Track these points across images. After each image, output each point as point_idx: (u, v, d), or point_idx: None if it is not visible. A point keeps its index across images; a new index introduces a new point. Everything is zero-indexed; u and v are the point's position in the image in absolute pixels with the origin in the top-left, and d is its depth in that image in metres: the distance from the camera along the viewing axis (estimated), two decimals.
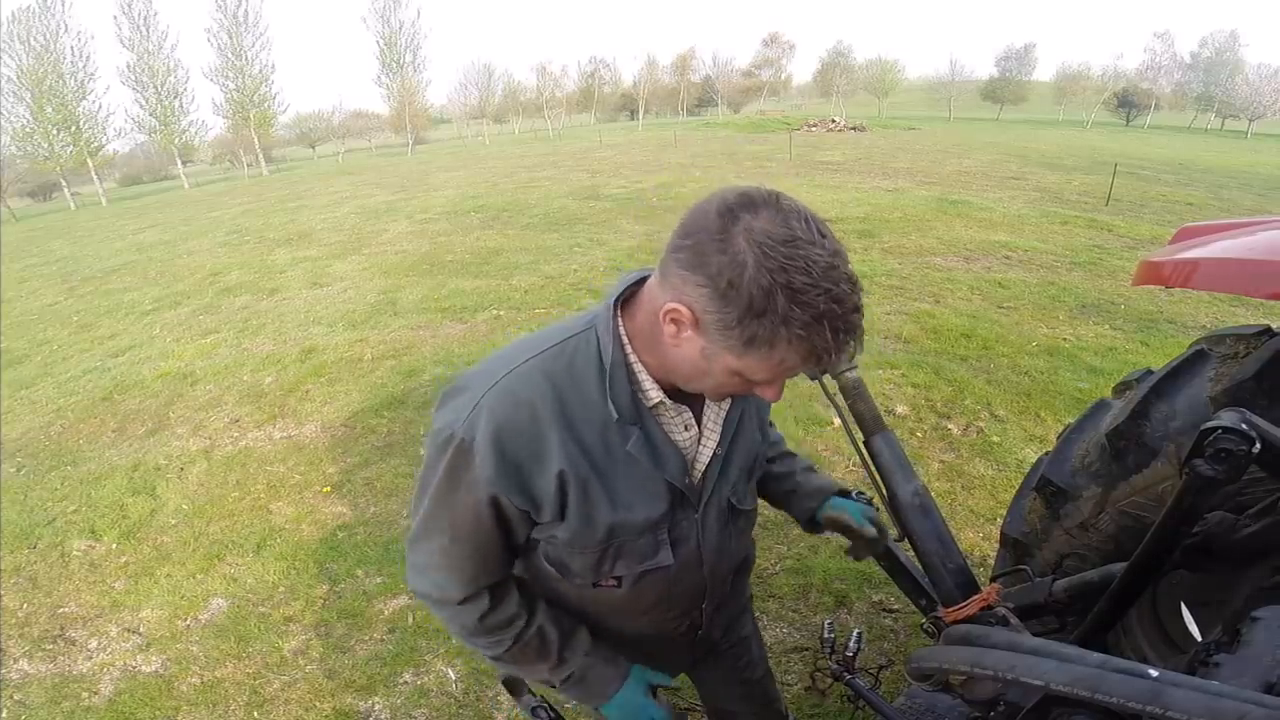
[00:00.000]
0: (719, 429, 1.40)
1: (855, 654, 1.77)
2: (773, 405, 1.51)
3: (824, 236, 1.04)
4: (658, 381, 1.27)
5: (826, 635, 1.87)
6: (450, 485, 1.26)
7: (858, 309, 1.07)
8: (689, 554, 1.46)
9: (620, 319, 1.26)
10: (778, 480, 1.80)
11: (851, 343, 1.09)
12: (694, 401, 1.35)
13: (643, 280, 1.27)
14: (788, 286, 1.01)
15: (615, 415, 1.24)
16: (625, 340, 1.25)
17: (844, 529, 1.70)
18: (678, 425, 1.35)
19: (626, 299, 1.28)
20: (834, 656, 1.85)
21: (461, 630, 1.43)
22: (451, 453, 1.23)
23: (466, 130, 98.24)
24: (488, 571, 1.38)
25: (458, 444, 1.22)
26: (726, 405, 1.41)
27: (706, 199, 1.11)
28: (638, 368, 1.26)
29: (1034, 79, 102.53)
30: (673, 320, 1.12)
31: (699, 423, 1.38)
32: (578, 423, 1.25)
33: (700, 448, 1.39)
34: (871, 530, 1.69)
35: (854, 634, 1.79)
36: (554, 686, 1.54)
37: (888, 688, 2.94)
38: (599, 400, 1.24)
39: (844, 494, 1.76)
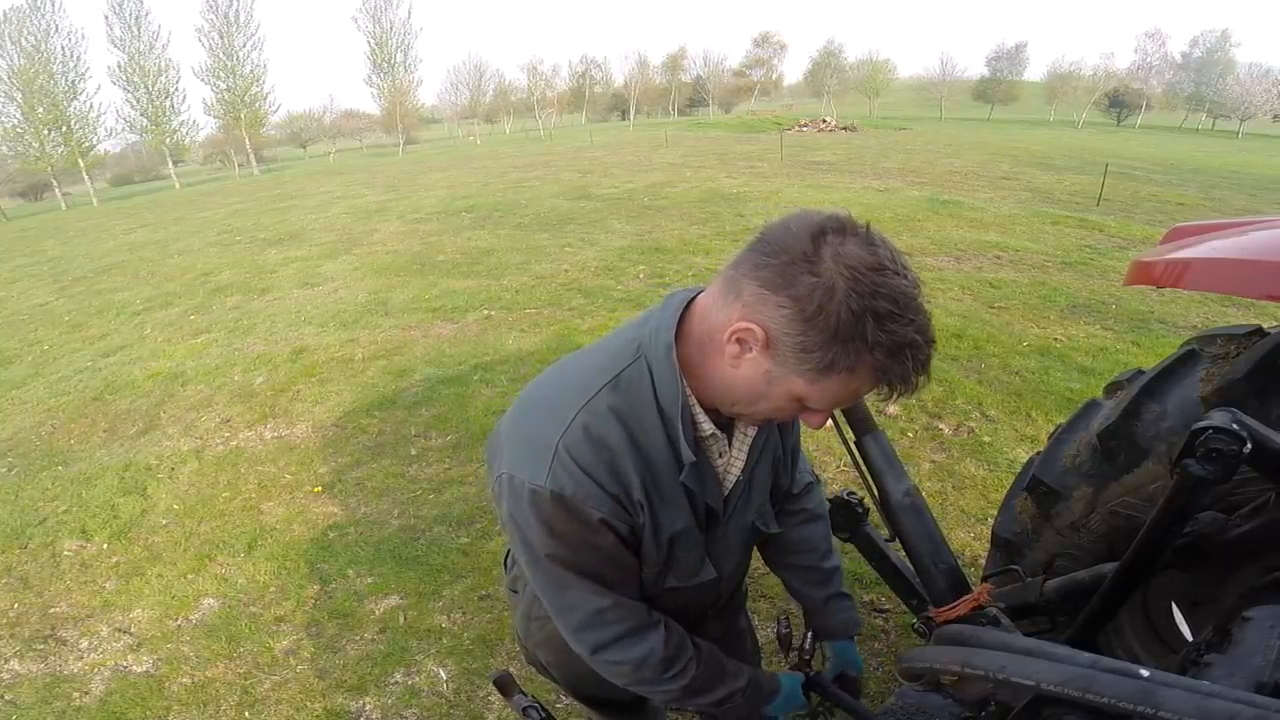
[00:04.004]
0: (744, 454, 1.42)
1: (812, 654, 1.77)
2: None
3: (907, 269, 1.05)
4: (702, 406, 1.27)
5: (782, 631, 1.87)
6: (562, 538, 1.26)
7: (934, 343, 1.08)
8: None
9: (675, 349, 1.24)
10: (804, 597, 1.83)
11: (923, 377, 1.09)
12: (727, 427, 1.37)
13: (689, 302, 1.26)
14: (875, 313, 1.01)
15: (690, 458, 1.24)
16: (682, 376, 1.23)
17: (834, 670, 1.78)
18: (714, 452, 1.37)
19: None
20: (789, 655, 1.85)
21: (656, 669, 1.41)
22: (550, 508, 1.22)
23: (458, 130, 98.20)
24: (638, 590, 1.41)
25: (551, 498, 1.21)
26: (751, 433, 1.42)
27: (792, 219, 1.09)
28: (693, 402, 1.26)
29: (1025, 79, 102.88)
30: (739, 340, 1.11)
31: (729, 446, 1.40)
32: (644, 457, 1.26)
33: (727, 472, 1.42)
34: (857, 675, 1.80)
35: (807, 633, 1.80)
36: (729, 704, 1.54)
37: (879, 688, 2.95)
38: (659, 436, 1.24)
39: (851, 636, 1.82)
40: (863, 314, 1.00)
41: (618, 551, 1.30)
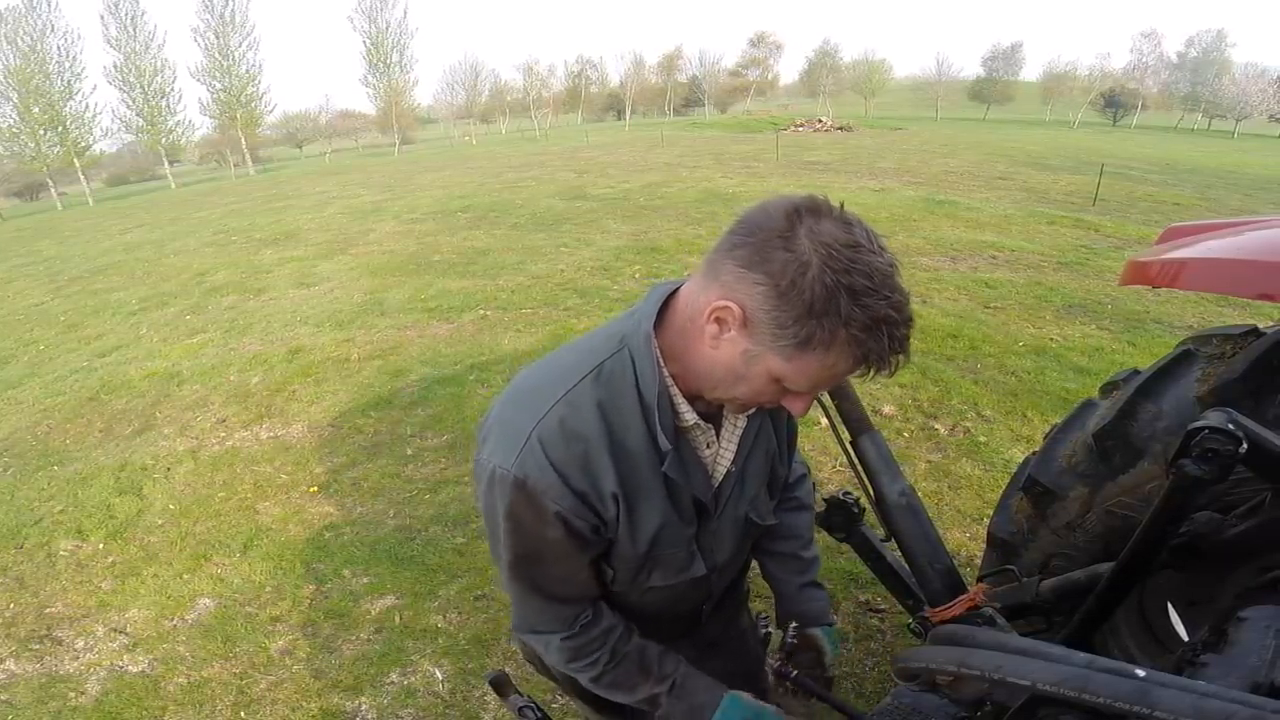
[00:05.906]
0: (734, 445, 1.42)
1: (792, 651, 1.76)
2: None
3: (883, 249, 1.06)
4: (685, 395, 1.27)
5: (763, 632, 1.87)
6: (517, 523, 1.28)
7: (911, 322, 1.07)
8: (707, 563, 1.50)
9: (655, 338, 1.24)
10: (780, 582, 1.82)
11: (902, 356, 1.09)
12: (715, 418, 1.37)
13: (673, 293, 1.27)
14: (850, 289, 1.01)
15: (666, 446, 1.25)
16: (662, 365, 1.24)
17: (816, 651, 1.75)
18: (701, 443, 1.37)
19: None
20: (773, 655, 1.85)
21: (560, 656, 1.45)
22: (511, 492, 1.24)
23: (453, 130, 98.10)
24: (579, 594, 1.42)
25: (514, 482, 1.23)
26: (742, 424, 1.42)
27: (769, 201, 1.10)
28: (674, 391, 1.26)
29: (1021, 79, 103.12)
30: (718, 319, 1.11)
31: (718, 437, 1.40)
32: (623, 448, 1.26)
33: (716, 464, 1.42)
34: (831, 663, 1.76)
35: (790, 627, 1.79)
36: (658, 707, 1.52)
37: (875, 687, 2.95)
38: (640, 427, 1.25)
39: (829, 624, 1.79)
40: (836, 289, 1.00)
41: (569, 547, 1.31)
